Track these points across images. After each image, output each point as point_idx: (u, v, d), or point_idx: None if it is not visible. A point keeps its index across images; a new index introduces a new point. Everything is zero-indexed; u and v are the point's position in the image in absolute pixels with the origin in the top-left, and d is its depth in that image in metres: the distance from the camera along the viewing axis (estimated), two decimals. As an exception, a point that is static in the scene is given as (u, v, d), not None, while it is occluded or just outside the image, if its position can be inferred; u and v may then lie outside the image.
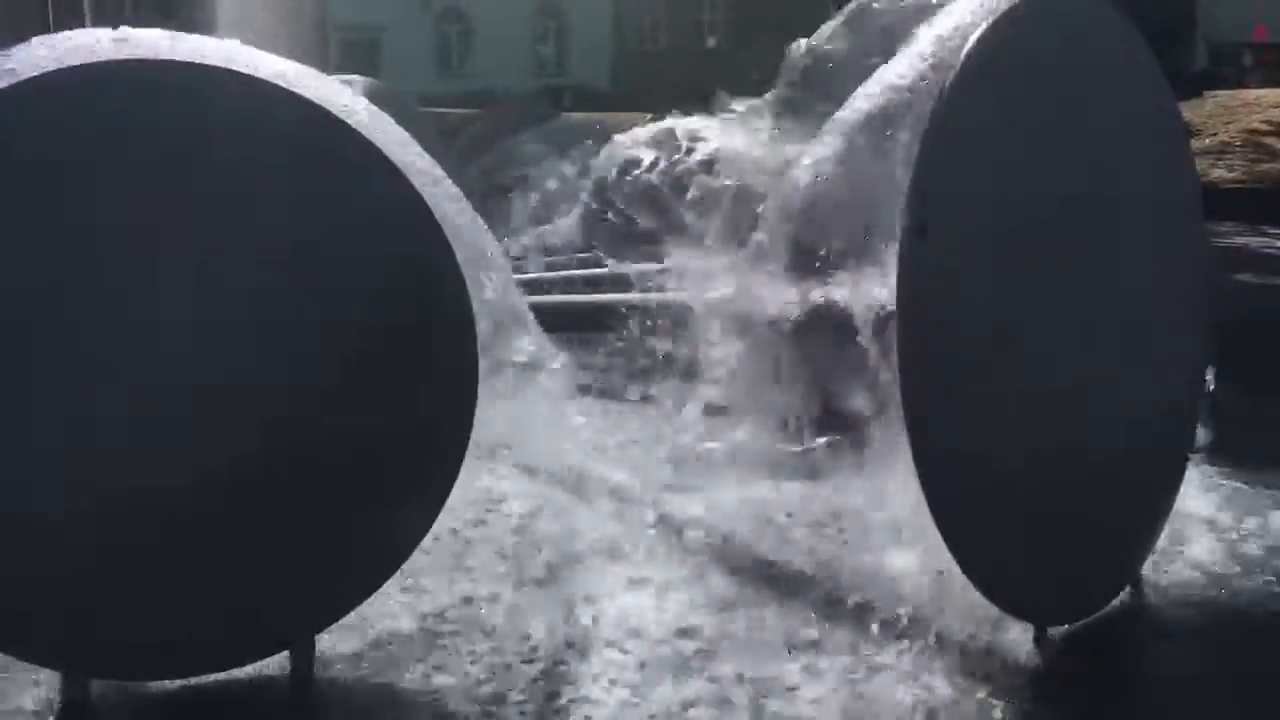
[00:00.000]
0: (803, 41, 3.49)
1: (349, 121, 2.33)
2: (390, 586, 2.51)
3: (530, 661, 2.47)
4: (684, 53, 29.15)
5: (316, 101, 2.31)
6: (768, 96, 3.53)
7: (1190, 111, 11.53)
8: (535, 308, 2.86)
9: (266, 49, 2.42)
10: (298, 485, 2.30)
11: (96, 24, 2.33)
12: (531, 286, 5.04)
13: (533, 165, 8.29)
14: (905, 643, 2.50)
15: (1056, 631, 2.57)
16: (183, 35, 2.33)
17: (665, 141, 6.75)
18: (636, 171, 6.40)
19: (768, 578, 2.86)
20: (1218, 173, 10.76)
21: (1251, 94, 13.42)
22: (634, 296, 4.23)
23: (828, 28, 3.43)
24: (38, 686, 2.30)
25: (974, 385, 2.39)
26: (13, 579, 2.17)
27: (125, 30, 2.27)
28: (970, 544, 2.39)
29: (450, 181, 2.62)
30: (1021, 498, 2.46)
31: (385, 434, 2.32)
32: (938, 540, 2.38)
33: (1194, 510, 3.18)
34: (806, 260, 3.09)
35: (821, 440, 3.12)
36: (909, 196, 2.32)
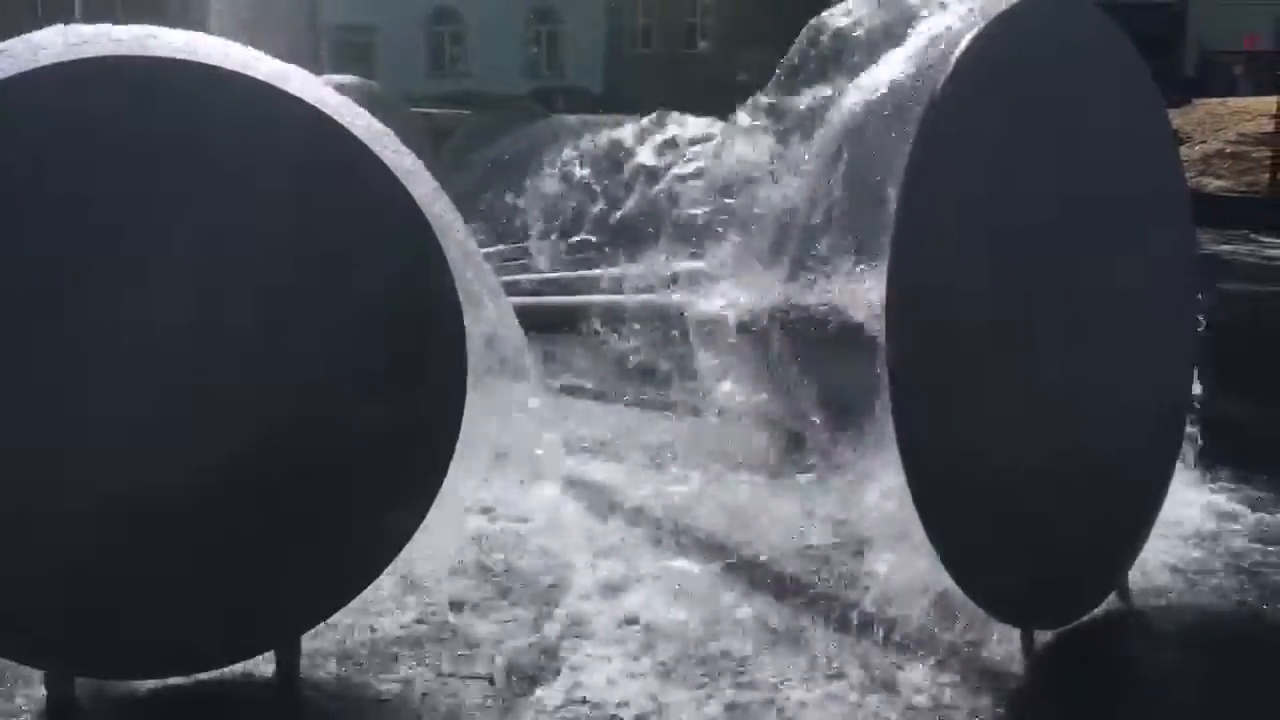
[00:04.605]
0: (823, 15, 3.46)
1: (342, 122, 2.32)
2: (376, 587, 2.50)
3: (515, 660, 2.47)
4: (675, 56, 29.23)
5: (310, 102, 2.29)
6: (779, 67, 3.47)
7: (1179, 118, 11.59)
8: (523, 309, 2.86)
9: (258, 49, 2.40)
10: (285, 487, 2.30)
11: (87, 22, 2.30)
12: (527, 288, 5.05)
13: (524, 166, 8.26)
14: (891, 645, 2.51)
15: (1042, 635, 2.58)
16: (174, 32, 2.32)
17: (658, 144, 6.75)
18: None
19: (752, 580, 2.86)
20: (1206, 180, 10.83)
21: (1239, 102, 13.50)
22: (618, 299, 4.23)
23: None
24: (27, 685, 2.30)
25: (961, 388, 2.40)
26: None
27: (107, 27, 2.25)
28: (957, 547, 2.40)
29: (435, 181, 2.60)
30: (1008, 501, 2.46)
31: (373, 436, 2.32)
32: (925, 543, 2.38)
33: (1179, 513, 3.19)
34: (790, 263, 3.10)
35: (809, 444, 3.13)
36: (899, 198, 2.32)
